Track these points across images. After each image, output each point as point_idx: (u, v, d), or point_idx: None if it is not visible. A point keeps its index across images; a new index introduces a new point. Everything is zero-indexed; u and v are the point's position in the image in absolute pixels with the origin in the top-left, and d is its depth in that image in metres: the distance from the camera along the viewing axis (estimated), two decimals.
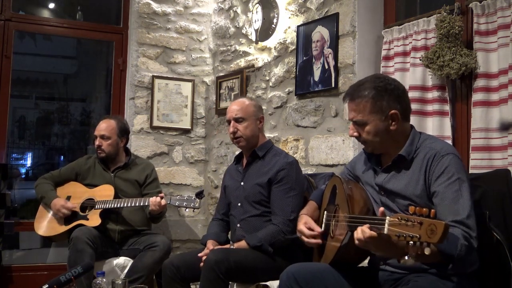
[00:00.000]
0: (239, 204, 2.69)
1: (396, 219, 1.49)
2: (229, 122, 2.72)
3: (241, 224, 2.66)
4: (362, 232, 1.62)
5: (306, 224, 2.13)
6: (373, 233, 1.59)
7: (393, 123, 1.89)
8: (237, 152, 2.89)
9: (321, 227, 2.14)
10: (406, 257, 1.47)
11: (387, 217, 1.53)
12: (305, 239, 2.10)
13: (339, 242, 1.90)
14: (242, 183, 2.72)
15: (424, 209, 1.43)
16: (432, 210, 1.43)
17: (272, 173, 2.60)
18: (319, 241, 2.07)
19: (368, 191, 2.03)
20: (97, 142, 3.35)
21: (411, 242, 1.41)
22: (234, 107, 2.71)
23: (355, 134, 1.95)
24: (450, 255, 1.61)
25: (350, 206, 1.89)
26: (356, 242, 1.65)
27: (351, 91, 1.96)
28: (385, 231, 1.52)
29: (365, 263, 2.10)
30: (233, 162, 2.92)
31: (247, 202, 2.65)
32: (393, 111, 1.88)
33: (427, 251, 1.39)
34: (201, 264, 2.46)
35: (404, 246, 1.47)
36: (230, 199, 2.77)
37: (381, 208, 1.65)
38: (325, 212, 2.16)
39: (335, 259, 1.94)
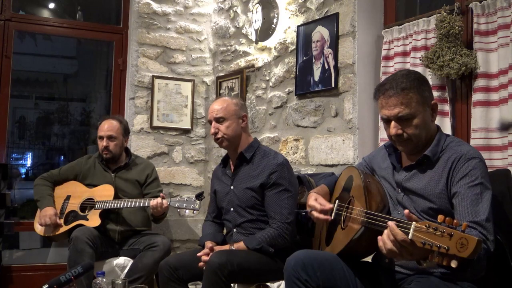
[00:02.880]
0: (231, 209, 2.65)
1: (424, 226, 1.44)
2: (210, 122, 2.67)
3: (238, 229, 2.64)
4: (393, 234, 1.53)
5: (317, 200, 2.06)
6: (405, 237, 1.50)
7: (434, 114, 1.85)
8: (223, 154, 2.82)
9: (331, 215, 2.12)
10: (428, 261, 1.44)
11: (413, 222, 1.48)
12: (315, 214, 2.03)
13: (350, 235, 1.87)
14: (232, 187, 2.66)
15: (455, 221, 1.39)
16: (464, 224, 1.38)
17: (263, 177, 2.54)
18: (328, 217, 2.01)
19: (384, 187, 2.00)
20: (104, 143, 3.32)
21: (437, 252, 1.37)
22: (215, 107, 2.65)
23: (399, 131, 1.81)
24: (470, 259, 1.54)
25: (367, 201, 1.85)
26: (381, 243, 1.58)
27: (391, 85, 1.82)
28: (410, 236, 1.48)
29: (368, 258, 2.10)
30: (219, 165, 2.85)
31: (240, 208, 2.61)
32: (434, 101, 1.85)
33: (453, 263, 1.35)
34: (200, 263, 2.45)
35: (428, 253, 1.43)
36: (222, 204, 2.72)
37: (406, 211, 1.56)
38: (337, 201, 2.11)
39: (344, 250, 1.91)
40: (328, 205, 2.03)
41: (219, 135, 2.62)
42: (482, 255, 1.58)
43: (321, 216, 2.02)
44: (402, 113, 1.79)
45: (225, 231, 2.81)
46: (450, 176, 1.77)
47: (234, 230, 2.64)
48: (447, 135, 1.92)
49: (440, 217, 1.41)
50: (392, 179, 1.96)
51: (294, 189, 2.57)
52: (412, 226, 1.48)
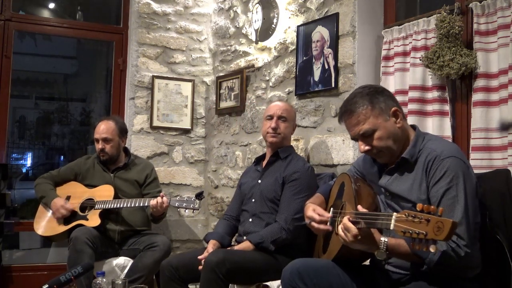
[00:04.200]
0: (253, 200, 2.76)
1: (403, 215, 1.49)
2: (271, 117, 2.81)
3: (253, 219, 2.71)
4: (343, 224, 1.69)
5: (315, 211, 2.09)
6: (352, 226, 1.66)
7: (398, 120, 1.89)
8: (252, 159, 2.96)
9: (327, 224, 2.13)
10: (381, 250, 1.56)
11: (394, 213, 1.54)
12: (315, 225, 2.05)
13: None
14: (259, 181, 2.79)
15: (432, 207, 1.43)
16: (441, 208, 1.43)
17: (287, 173, 2.68)
18: (328, 227, 2.03)
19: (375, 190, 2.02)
20: (100, 146, 3.32)
21: (417, 238, 1.42)
22: (279, 106, 2.84)
23: (367, 147, 1.89)
24: (422, 257, 1.64)
25: (357, 203, 1.87)
26: (339, 235, 1.73)
27: (346, 108, 1.93)
28: (391, 226, 1.52)
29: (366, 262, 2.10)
30: (252, 163, 3.02)
31: (261, 199, 2.71)
32: (394, 108, 1.89)
33: (432, 248, 1.40)
34: (200, 267, 2.46)
35: (377, 241, 1.57)
36: (245, 195, 2.83)
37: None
38: (332, 208, 2.14)
39: (339, 255, 1.93)
40: (327, 215, 2.07)
41: (279, 131, 2.79)
42: (437, 258, 1.64)
43: (321, 226, 2.05)
44: (362, 131, 1.88)
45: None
46: (428, 179, 1.79)
47: (250, 219, 2.72)
48: (426, 134, 1.95)
49: (419, 206, 1.47)
50: (378, 183, 1.99)
51: (310, 194, 2.60)
52: (393, 217, 1.53)
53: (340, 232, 1.73)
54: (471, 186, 1.75)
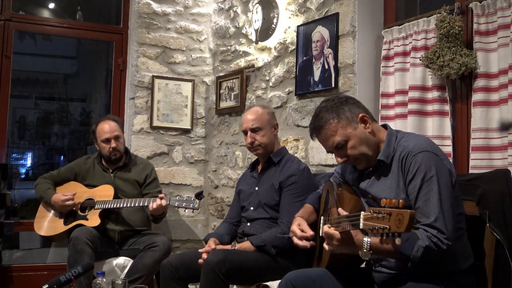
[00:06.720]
0: (251, 208, 2.74)
1: (369, 213, 1.51)
2: (245, 132, 2.76)
3: (252, 224, 2.71)
4: (324, 233, 1.72)
5: (299, 226, 2.12)
6: (334, 232, 1.69)
7: (367, 125, 1.91)
8: (252, 159, 2.93)
9: (319, 232, 2.14)
10: (365, 250, 1.56)
11: (362, 212, 1.55)
12: (296, 240, 2.09)
13: None
14: (256, 188, 2.77)
15: (393, 200, 1.45)
16: (401, 200, 1.44)
17: (283, 178, 2.65)
18: (307, 244, 2.06)
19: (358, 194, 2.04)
20: (113, 144, 3.33)
21: (384, 234, 1.44)
22: (249, 117, 2.76)
23: (344, 159, 1.91)
24: (406, 255, 1.65)
25: (338, 208, 1.89)
26: (324, 244, 1.76)
27: (314, 125, 1.95)
28: (361, 225, 1.54)
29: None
30: (248, 169, 2.98)
31: (260, 206, 2.70)
32: (360, 115, 1.91)
33: (398, 241, 1.42)
34: (200, 260, 2.47)
35: (361, 241, 1.59)
36: (244, 203, 2.82)
37: (340, 209, 1.76)
38: (322, 217, 2.17)
39: (330, 262, 1.95)
40: (309, 232, 2.08)
41: (255, 144, 2.73)
42: (421, 253, 1.64)
43: (300, 243, 2.07)
44: (335, 143, 1.90)
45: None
46: (404, 177, 1.80)
47: (248, 224, 2.72)
48: (398, 132, 1.95)
49: (383, 201, 1.48)
50: (359, 187, 2.00)
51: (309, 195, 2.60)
52: (361, 216, 1.55)
53: (325, 242, 1.77)
54: (445, 179, 1.75)
